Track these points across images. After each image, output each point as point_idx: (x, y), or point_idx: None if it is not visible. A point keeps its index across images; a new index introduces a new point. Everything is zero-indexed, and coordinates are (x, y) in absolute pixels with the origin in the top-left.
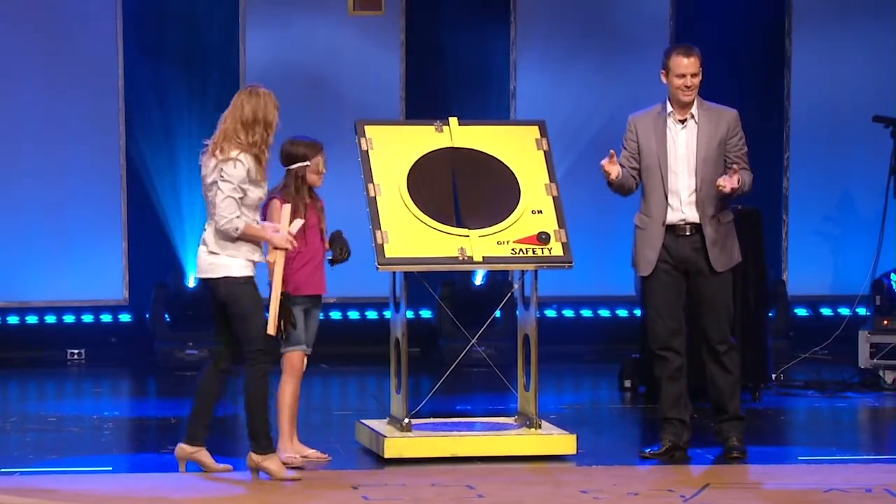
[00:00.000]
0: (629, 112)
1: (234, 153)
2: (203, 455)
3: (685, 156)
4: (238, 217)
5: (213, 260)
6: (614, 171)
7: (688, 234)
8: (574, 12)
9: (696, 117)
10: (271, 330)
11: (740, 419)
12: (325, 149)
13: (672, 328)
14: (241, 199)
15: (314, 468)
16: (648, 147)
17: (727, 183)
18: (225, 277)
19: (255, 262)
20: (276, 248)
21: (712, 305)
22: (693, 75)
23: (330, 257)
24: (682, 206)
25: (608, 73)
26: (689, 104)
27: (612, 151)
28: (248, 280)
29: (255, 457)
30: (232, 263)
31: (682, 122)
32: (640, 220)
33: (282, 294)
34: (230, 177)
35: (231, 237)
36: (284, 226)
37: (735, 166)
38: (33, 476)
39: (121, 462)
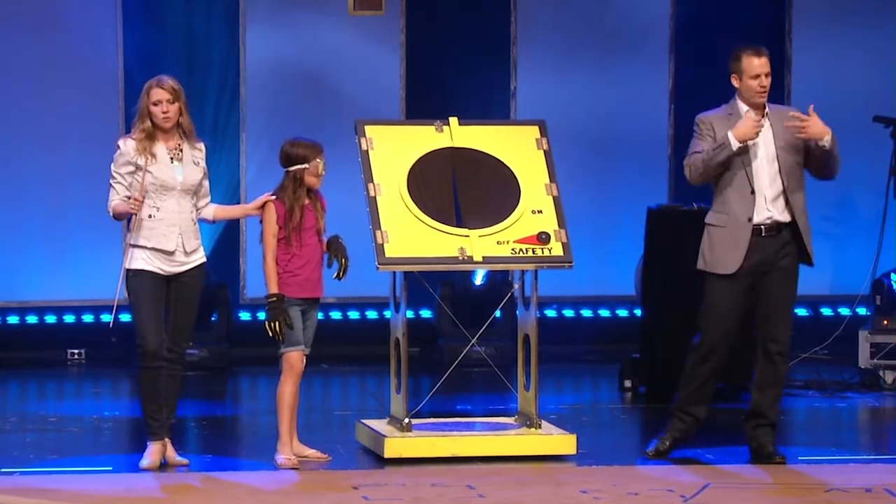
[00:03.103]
0: (630, 111)
1: (118, 140)
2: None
3: (766, 155)
4: (111, 201)
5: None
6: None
7: (773, 233)
8: (574, 11)
9: (770, 116)
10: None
11: (773, 426)
12: (324, 148)
13: (725, 330)
14: (120, 184)
15: (314, 468)
16: None
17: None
18: (125, 268)
19: (164, 253)
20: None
21: (781, 309)
22: (766, 75)
23: (334, 275)
24: (768, 205)
25: (608, 73)
26: (764, 105)
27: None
28: (137, 273)
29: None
30: (130, 253)
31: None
32: (717, 220)
33: (278, 296)
34: (111, 164)
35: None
36: (139, 190)
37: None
38: (33, 476)
39: (121, 462)
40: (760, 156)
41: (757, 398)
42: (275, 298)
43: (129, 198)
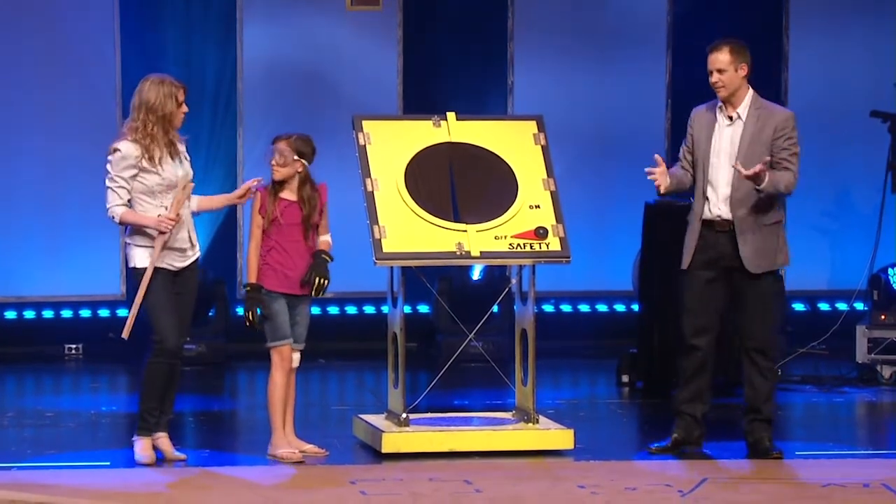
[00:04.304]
0: (627, 106)
1: (115, 144)
2: (161, 441)
3: (727, 152)
4: (117, 206)
5: (127, 251)
6: (663, 182)
7: (725, 230)
8: (572, 7)
9: (744, 115)
10: (124, 333)
11: (769, 421)
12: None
13: (699, 325)
14: (122, 187)
15: (312, 463)
16: (699, 140)
17: (745, 169)
18: (132, 268)
19: (177, 250)
20: (160, 232)
21: (750, 306)
22: (719, 71)
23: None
24: (719, 202)
25: (606, 68)
26: (734, 101)
27: (657, 157)
28: (154, 271)
29: (135, 435)
30: (136, 254)
31: (730, 118)
32: (688, 216)
33: (253, 286)
34: (108, 166)
35: (119, 225)
36: (172, 205)
37: (778, 166)
38: (31, 471)
39: (118, 457)
40: (722, 154)
41: (749, 394)
42: (249, 288)
43: (128, 200)
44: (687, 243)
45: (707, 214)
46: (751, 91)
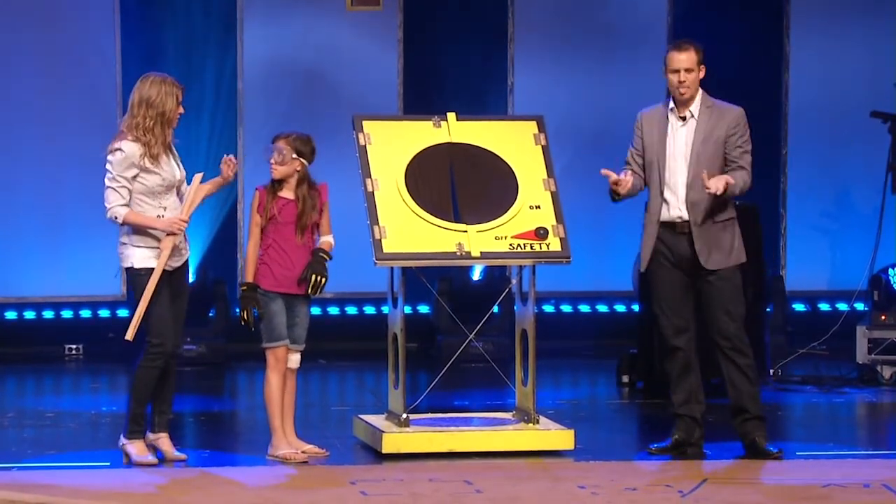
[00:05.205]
0: (627, 107)
1: (116, 144)
2: (162, 441)
3: (683, 153)
4: (120, 206)
5: (121, 250)
6: (624, 185)
7: (685, 231)
8: (572, 7)
9: (697, 114)
10: (128, 335)
11: (760, 419)
12: (282, 143)
13: (677, 325)
14: (124, 187)
15: (312, 463)
16: (650, 143)
17: (712, 185)
18: (128, 268)
19: (175, 249)
20: (168, 234)
21: (714, 305)
22: (687, 70)
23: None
24: (679, 203)
25: (606, 68)
26: (688, 101)
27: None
28: (150, 272)
29: (122, 439)
30: (134, 254)
31: (683, 118)
32: (644, 217)
33: (249, 285)
34: (109, 166)
35: (121, 225)
36: (185, 207)
37: (733, 165)
38: (31, 471)
39: (118, 457)
40: (678, 155)
41: (732, 394)
42: (245, 287)
43: (125, 202)
44: (645, 246)
45: (666, 216)
46: (700, 90)
